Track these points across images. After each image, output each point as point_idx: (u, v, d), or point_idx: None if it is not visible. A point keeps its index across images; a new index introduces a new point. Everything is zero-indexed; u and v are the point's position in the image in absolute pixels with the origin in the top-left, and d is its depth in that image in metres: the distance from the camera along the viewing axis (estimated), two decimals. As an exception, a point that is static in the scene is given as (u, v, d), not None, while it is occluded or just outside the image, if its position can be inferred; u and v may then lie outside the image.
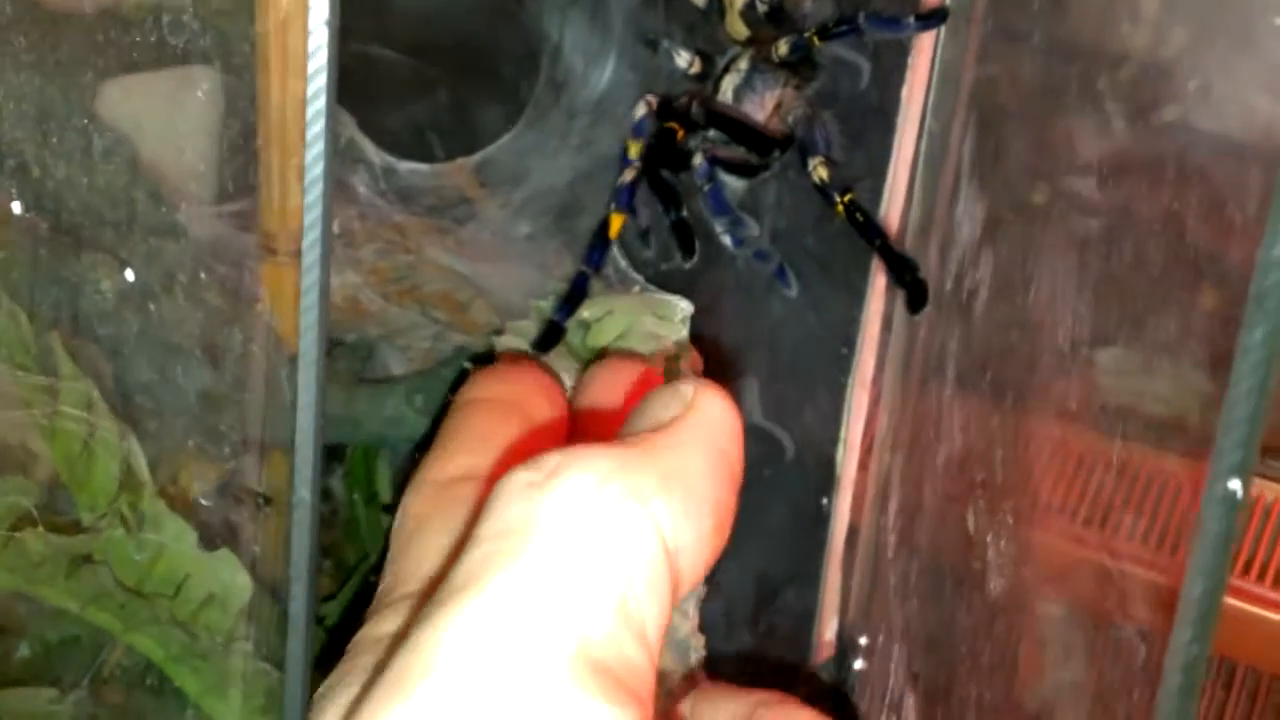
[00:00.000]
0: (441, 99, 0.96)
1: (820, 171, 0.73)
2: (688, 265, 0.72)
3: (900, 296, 0.73)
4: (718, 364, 0.89)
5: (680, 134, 0.73)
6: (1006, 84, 0.74)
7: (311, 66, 0.52)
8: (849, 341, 0.84)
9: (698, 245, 0.73)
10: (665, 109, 0.77)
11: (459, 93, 0.96)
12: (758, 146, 0.77)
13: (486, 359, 0.78)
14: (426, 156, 0.92)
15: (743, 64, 0.79)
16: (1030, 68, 0.73)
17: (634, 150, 0.75)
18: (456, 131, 0.95)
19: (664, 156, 0.72)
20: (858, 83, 0.81)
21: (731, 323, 0.89)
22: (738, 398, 0.93)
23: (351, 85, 1.00)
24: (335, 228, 0.87)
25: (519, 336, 0.78)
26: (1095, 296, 0.60)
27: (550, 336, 0.76)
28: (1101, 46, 0.73)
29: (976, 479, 0.65)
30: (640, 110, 0.79)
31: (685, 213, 0.71)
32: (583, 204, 0.88)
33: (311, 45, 0.51)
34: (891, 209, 0.81)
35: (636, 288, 0.84)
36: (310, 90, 0.52)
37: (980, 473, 0.65)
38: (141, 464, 0.64)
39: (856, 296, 0.84)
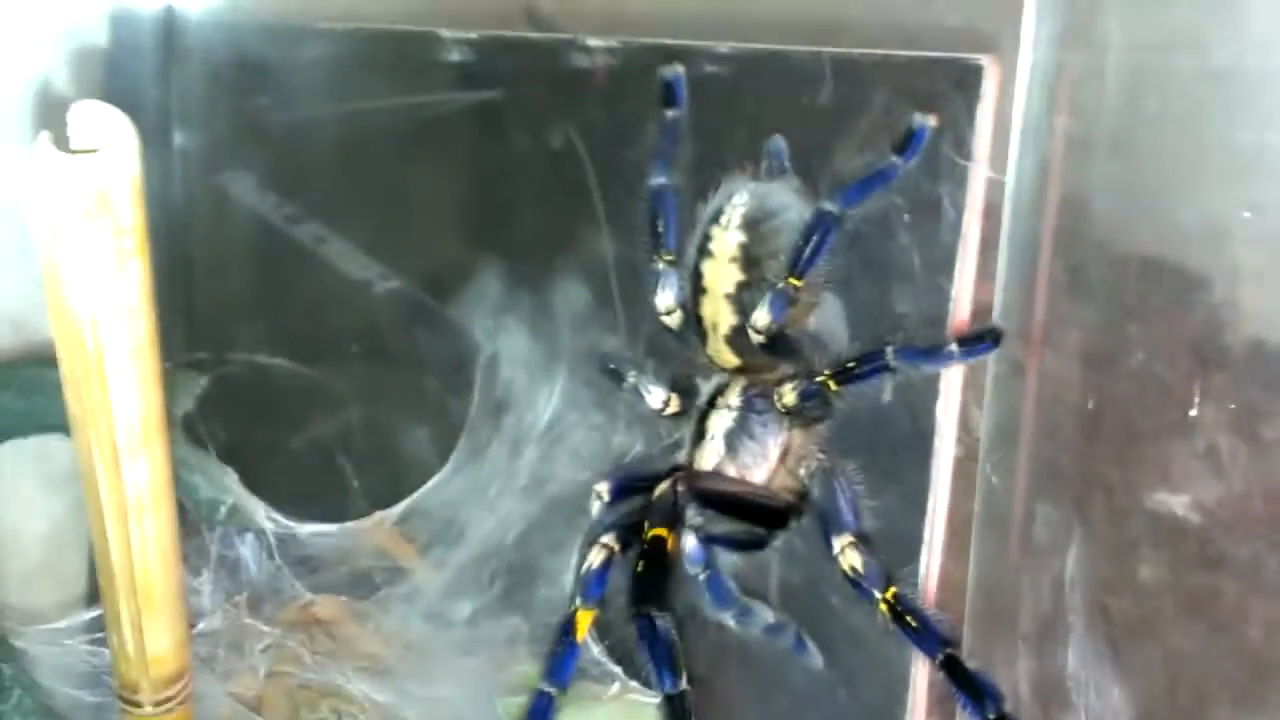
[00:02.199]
0: (351, 420, 0.78)
1: (850, 558, 0.55)
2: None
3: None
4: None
5: (670, 542, 0.54)
6: (1095, 418, 0.56)
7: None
8: (895, 727, 0.65)
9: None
10: (631, 488, 0.58)
11: (373, 413, 0.78)
12: (765, 519, 0.58)
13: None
14: (333, 501, 0.73)
15: (733, 399, 0.61)
16: (1125, 391, 0.56)
17: (598, 558, 0.56)
18: (372, 464, 0.77)
19: (653, 583, 0.53)
20: (879, 399, 0.63)
21: (741, 701, 0.70)
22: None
23: (235, 407, 0.82)
24: (218, 623, 0.67)
25: (465, 790, 0.59)
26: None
27: (507, 792, 0.56)
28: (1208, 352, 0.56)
29: None
30: (594, 506, 0.61)
31: (685, 684, 0.52)
32: (537, 566, 0.69)
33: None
34: (932, 561, 0.63)
35: (616, 685, 0.65)
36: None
37: None
38: None
39: (899, 668, 0.65)
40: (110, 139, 0.39)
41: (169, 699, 0.58)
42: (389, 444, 0.76)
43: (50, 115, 0.43)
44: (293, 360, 0.79)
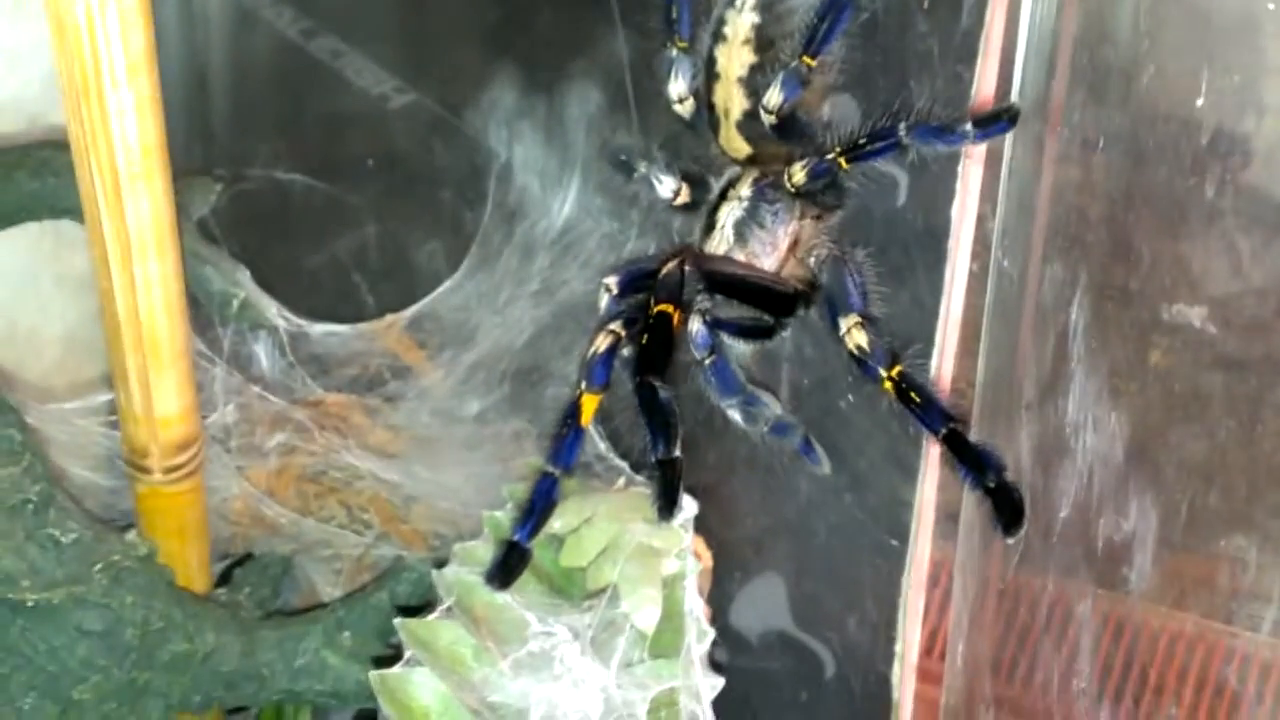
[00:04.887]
0: (366, 235, 0.78)
1: (856, 337, 0.54)
2: (665, 523, 0.53)
3: (977, 501, 0.54)
4: (732, 559, 0.70)
5: (677, 319, 0.54)
6: (1108, 197, 0.55)
7: None
8: (899, 531, 0.65)
9: (682, 499, 0.54)
10: (640, 282, 0.58)
11: (388, 226, 0.78)
12: (773, 305, 0.58)
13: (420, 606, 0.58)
14: (347, 314, 0.73)
15: (744, 189, 0.60)
16: (1140, 175, 0.55)
17: (603, 342, 0.56)
18: (385, 277, 0.77)
19: (657, 355, 0.53)
20: (893, 200, 0.62)
21: (748, 508, 0.70)
22: (759, 600, 0.74)
23: (251, 222, 0.82)
24: (230, 414, 0.68)
25: (468, 563, 0.59)
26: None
27: (509, 564, 0.56)
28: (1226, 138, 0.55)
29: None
30: (602, 299, 0.60)
31: (679, 452, 0.52)
32: (547, 368, 0.69)
33: None
34: (944, 363, 0.62)
35: (622, 480, 0.65)
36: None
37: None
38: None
39: (906, 474, 0.64)
40: None
41: (179, 467, 0.59)
42: (403, 257, 0.76)
43: None
44: (309, 176, 0.79)
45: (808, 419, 0.65)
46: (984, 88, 0.58)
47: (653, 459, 0.52)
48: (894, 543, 0.65)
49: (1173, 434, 0.53)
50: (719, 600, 0.70)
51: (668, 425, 0.52)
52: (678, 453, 0.52)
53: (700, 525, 0.67)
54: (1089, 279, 0.52)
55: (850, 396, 0.65)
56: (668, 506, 0.52)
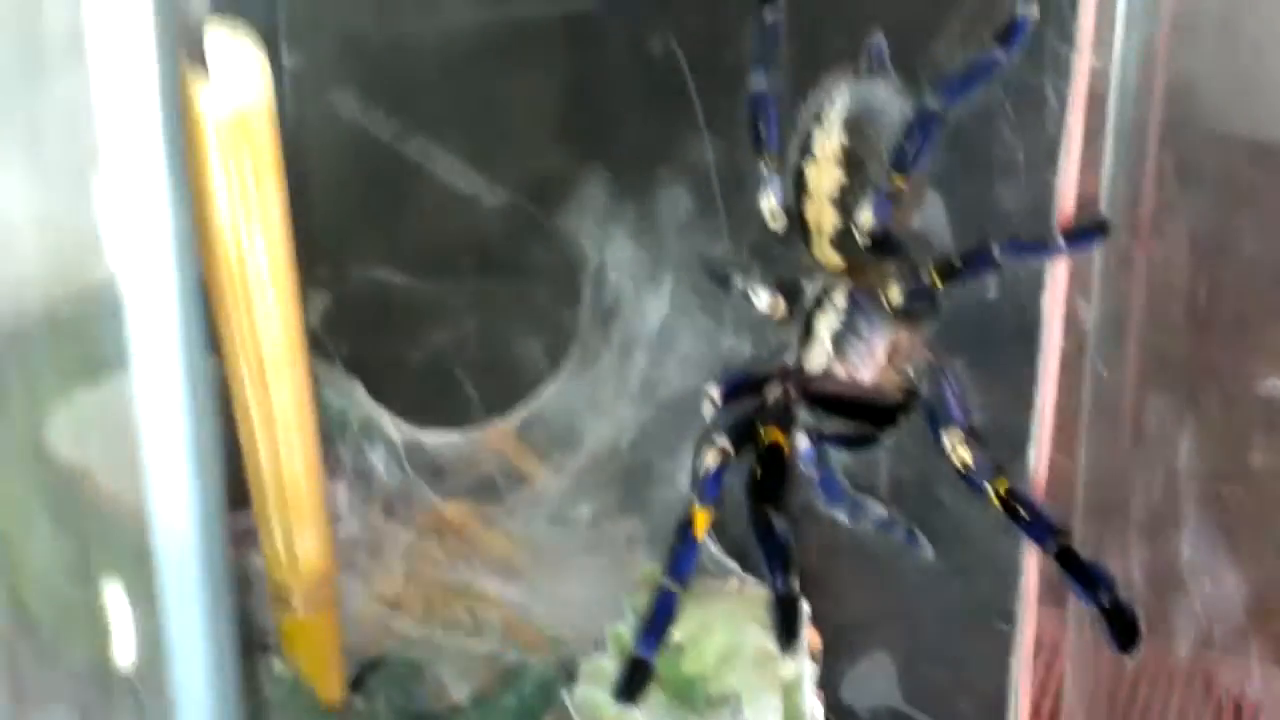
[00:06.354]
0: (468, 333, 0.81)
1: (961, 454, 0.56)
2: (784, 652, 0.56)
3: (1092, 616, 0.55)
4: (842, 641, 0.72)
5: (787, 450, 0.56)
6: (1199, 300, 0.56)
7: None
8: (1007, 615, 0.66)
9: (801, 629, 0.56)
10: (742, 389, 0.60)
11: (490, 326, 0.80)
12: (875, 418, 0.59)
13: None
14: (457, 419, 0.76)
15: (839, 299, 0.61)
16: (1232, 276, 0.56)
17: (713, 461, 0.58)
18: (487, 374, 0.79)
19: (771, 485, 0.55)
20: (983, 293, 0.63)
21: (854, 593, 0.72)
22: (868, 678, 0.76)
23: (354, 325, 0.85)
24: (354, 527, 0.71)
25: (596, 682, 0.62)
26: None
27: (635, 680, 0.59)
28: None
29: None
30: (706, 409, 0.62)
31: (797, 584, 0.54)
32: (652, 468, 0.71)
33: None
34: (1040, 463, 0.63)
35: (734, 580, 0.67)
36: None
37: None
38: None
39: (1009, 562, 0.66)
40: (240, 64, 0.41)
41: (317, 599, 0.62)
42: (503, 354, 0.79)
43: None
44: (407, 276, 0.82)
45: (909, 508, 0.67)
46: (1068, 193, 0.59)
47: (772, 595, 0.54)
48: (1003, 626, 0.66)
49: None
50: (829, 679, 0.72)
51: (785, 558, 0.54)
52: (796, 587, 0.54)
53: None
54: (1196, 420, 0.53)
55: (949, 488, 0.66)
56: (789, 641, 0.54)
